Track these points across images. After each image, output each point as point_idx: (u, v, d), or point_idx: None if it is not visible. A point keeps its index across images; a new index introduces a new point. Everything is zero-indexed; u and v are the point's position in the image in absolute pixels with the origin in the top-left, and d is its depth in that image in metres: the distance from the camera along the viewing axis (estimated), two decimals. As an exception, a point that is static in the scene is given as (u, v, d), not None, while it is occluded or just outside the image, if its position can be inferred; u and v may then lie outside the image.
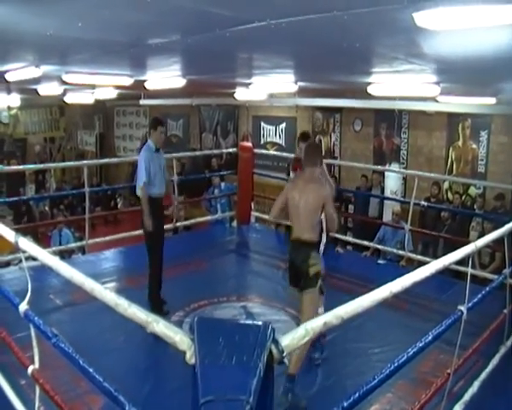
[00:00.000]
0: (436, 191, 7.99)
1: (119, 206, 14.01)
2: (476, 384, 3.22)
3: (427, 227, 7.13)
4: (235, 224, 7.67)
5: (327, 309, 2.00)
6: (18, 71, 5.49)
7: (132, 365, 3.78)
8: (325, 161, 9.11)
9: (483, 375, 3.33)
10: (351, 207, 9.34)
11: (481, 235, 5.57)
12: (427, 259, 5.64)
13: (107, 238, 6.63)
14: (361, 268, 6.06)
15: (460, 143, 8.52)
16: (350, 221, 9.31)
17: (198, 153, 11.40)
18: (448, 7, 2.15)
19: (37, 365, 2.60)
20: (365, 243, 6.93)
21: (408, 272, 2.44)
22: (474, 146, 8.32)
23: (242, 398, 1.46)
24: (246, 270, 4.72)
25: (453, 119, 8.47)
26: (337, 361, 3.83)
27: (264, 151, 10.12)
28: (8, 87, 9.06)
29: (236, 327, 1.82)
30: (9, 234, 2.81)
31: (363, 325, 3.97)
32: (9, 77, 5.92)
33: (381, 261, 6.60)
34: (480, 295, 3.12)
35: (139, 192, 4.81)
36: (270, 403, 1.70)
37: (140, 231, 7.00)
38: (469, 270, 3.13)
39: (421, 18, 2.30)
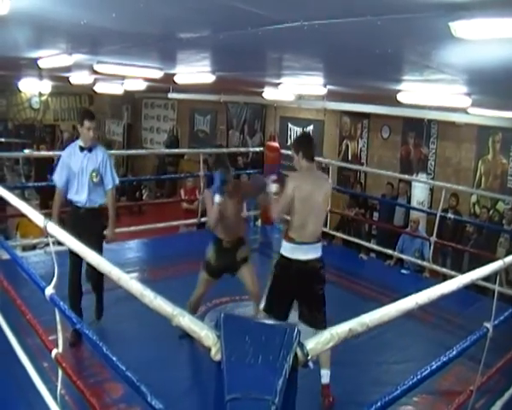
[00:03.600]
0: (454, 203, 7.87)
1: (143, 197, 14.13)
2: (499, 404, 3.16)
3: (443, 238, 7.02)
4: (259, 223, 7.67)
5: (349, 315, 1.98)
6: (50, 58, 5.56)
7: (153, 355, 3.79)
8: (351, 166, 9.08)
9: (506, 395, 3.26)
10: (375, 214, 9.27)
11: (509, 252, 5.48)
12: (452, 272, 5.58)
13: (132, 229, 6.69)
14: (384, 277, 6.02)
15: (490, 156, 8.38)
16: (374, 228, 9.24)
17: (225, 150, 11.43)
18: (485, 18, 2.12)
19: (60, 349, 2.63)
20: (389, 251, 6.87)
21: (431, 283, 2.41)
22: (505, 161, 8.17)
23: (268, 398, 1.46)
24: (268, 270, 4.68)
25: (483, 131, 8.33)
26: (358, 369, 3.80)
27: (290, 152, 10.08)
28: (40, 73, 9.21)
29: (263, 327, 1.81)
30: (39, 219, 2.85)
31: (385, 334, 3.93)
32: (42, 64, 6.00)
33: (404, 271, 6.55)
34: (506, 314, 3.06)
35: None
36: (293, 405, 1.69)
37: (164, 224, 7.13)
38: (496, 287, 3.08)
39: (458, 27, 2.26)
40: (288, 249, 3.57)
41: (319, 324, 3.55)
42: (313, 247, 3.57)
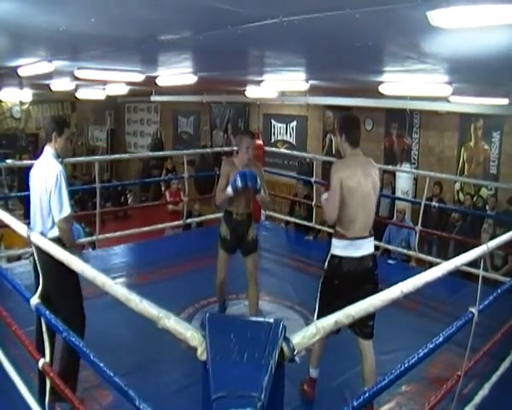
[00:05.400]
0: (438, 191, 7.94)
1: (129, 202, 14.07)
2: (487, 387, 3.19)
3: (428, 226, 7.07)
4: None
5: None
6: (30, 66, 5.52)
7: (142, 360, 3.80)
8: (335, 160, 9.10)
9: (494, 378, 3.29)
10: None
11: (493, 237, 5.53)
12: (438, 260, 5.63)
13: (117, 234, 6.66)
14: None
15: (472, 143, 8.47)
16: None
17: (209, 150, 11.40)
18: (462, 6, 2.14)
19: (47, 358, 2.61)
20: (375, 242, 6.90)
21: (417, 272, 2.42)
22: (486, 147, 8.27)
23: (254, 395, 1.46)
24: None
25: (465, 119, 8.42)
26: (346, 361, 3.82)
27: (274, 149, 10.13)
28: (21, 82, 9.12)
29: (248, 324, 1.82)
30: (22, 228, 2.83)
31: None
32: (22, 72, 5.95)
33: (390, 261, 6.59)
34: (491, 297, 3.08)
35: (61, 230, 3.25)
36: (280, 400, 1.70)
37: (150, 227, 7.07)
38: (481, 272, 3.10)
39: (435, 16, 2.28)
40: (339, 247, 3.28)
41: (367, 334, 3.28)
42: (365, 242, 3.29)
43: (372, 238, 3.38)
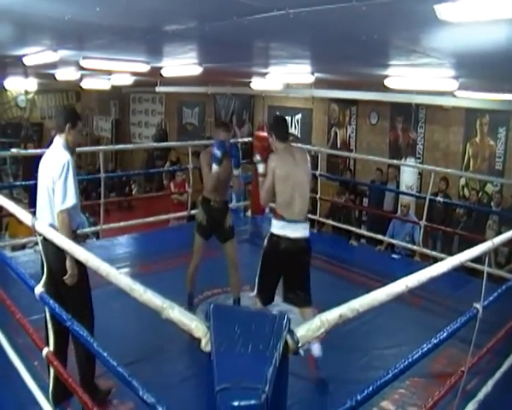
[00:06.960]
0: (444, 187, 7.91)
1: (133, 192, 14.08)
2: (490, 383, 3.18)
3: (433, 222, 7.05)
4: (249, 214, 7.67)
5: (340, 301, 1.98)
6: (35, 55, 5.51)
7: (145, 350, 3.81)
8: (340, 153, 9.11)
9: (497, 374, 3.29)
10: (365, 200, 9.30)
11: (498, 233, 5.51)
12: (442, 255, 5.62)
13: (122, 224, 6.67)
14: (375, 262, 6.04)
15: (477, 139, 8.42)
16: (364, 214, 9.27)
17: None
18: (469, -1, 2.12)
19: (51, 347, 2.62)
20: (379, 236, 6.90)
21: (421, 267, 2.41)
22: (492, 143, 8.22)
23: (258, 386, 1.46)
24: (259, 260, 4.71)
25: (471, 114, 8.37)
26: (350, 355, 3.83)
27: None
28: (26, 71, 9.11)
29: (252, 316, 1.82)
30: (26, 217, 2.83)
31: (376, 319, 3.96)
32: (27, 61, 5.94)
33: (395, 256, 6.59)
34: (495, 294, 3.08)
35: (60, 220, 3.13)
36: (284, 392, 1.70)
37: (154, 218, 7.07)
38: (485, 268, 3.09)
39: (443, 10, 2.25)
40: (277, 227, 3.65)
41: (303, 302, 3.67)
42: (301, 226, 3.66)
43: (307, 224, 3.75)
